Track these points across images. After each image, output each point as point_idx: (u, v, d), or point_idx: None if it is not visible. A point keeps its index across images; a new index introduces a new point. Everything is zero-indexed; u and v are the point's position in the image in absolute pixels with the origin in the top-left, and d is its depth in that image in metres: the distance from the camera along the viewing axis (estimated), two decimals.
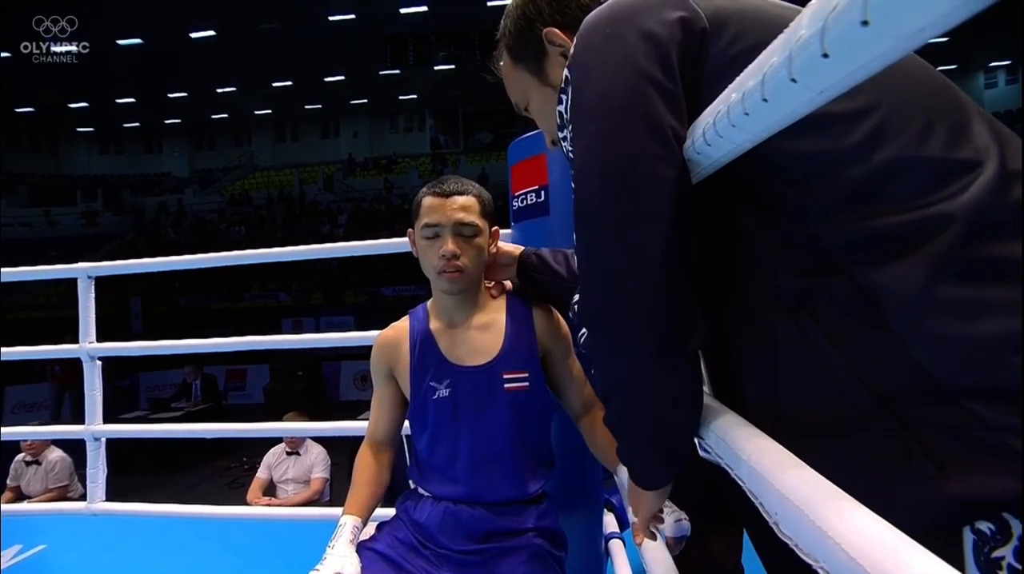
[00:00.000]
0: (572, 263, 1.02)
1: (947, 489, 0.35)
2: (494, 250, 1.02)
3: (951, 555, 0.30)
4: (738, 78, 0.37)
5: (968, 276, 0.37)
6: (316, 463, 3.26)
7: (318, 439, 3.35)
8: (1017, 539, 0.33)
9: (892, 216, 0.39)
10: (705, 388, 0.62)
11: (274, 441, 3.37)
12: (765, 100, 0.33)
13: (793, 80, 0.30)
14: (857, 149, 0.41)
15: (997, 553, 0.33)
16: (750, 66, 0.35)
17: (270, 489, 3.26)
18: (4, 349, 2.07)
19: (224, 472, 5.54)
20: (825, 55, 0.27)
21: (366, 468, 1.00)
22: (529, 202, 1.28)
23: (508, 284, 1.10)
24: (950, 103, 0.43)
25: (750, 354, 0.50)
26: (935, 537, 0.31)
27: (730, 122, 0.38)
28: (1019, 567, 0.32)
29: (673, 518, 0.78)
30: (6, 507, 2.33)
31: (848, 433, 0.41)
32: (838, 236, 0.41)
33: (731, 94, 0.38)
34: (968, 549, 0.34)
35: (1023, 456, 0.33)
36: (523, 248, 1.07)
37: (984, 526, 0.34)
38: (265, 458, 3.30)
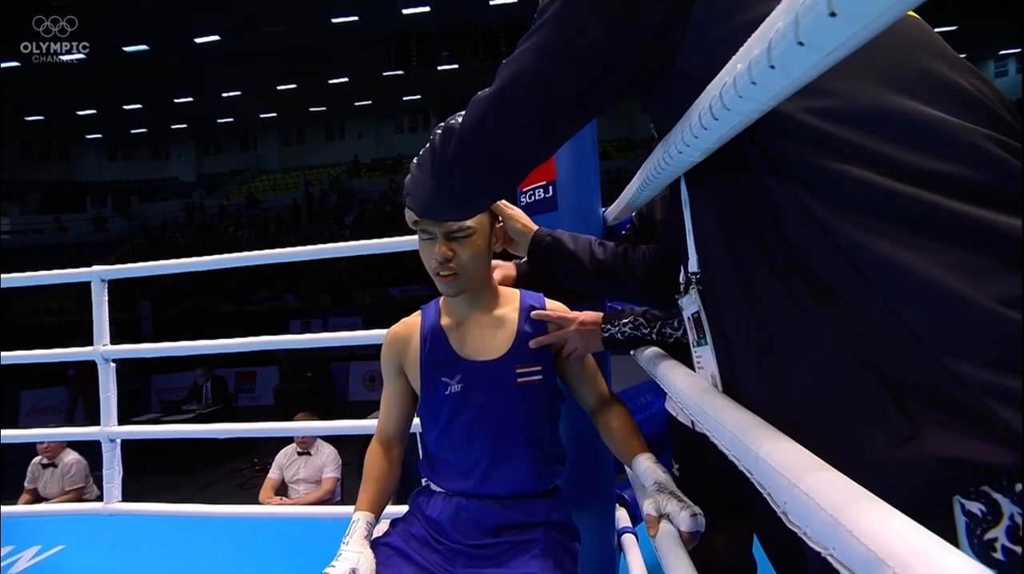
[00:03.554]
0: (597, 253, 0.99)
1: (921, 451, 0.35)
2: (498, 247, 1.01)
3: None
4: (742, 48, 0.37)
5: (960, 239, 0.37)
6: (327, 463, 3.28)
7: (328, 439, 3.37)
8: (1008, 518, 0.33)
9: (882, 176, 0.39)
10: (713, 380, 0.62)
11: (285, 442, 3.40)
12: (772, 67, 0.33)
13: (800, 43, 0.30)
14: (843, 107, 0.42)
15: (990, 534, 0.33)
16: (754, 34, 0.35)
17: (282, 489, 3.29)
18: (21, 352, 2.10)
19: (236, 473, 5.59)
20: (833, 14, 0.27)
21: (377, 464, 1.00)
22: (537, 198, 1.28)
23: (510, 271, 1.10)
24: (933, 68, 0.44)
25: (744, 323, 0.50)
26: (920, 514, 0.32)
27: (737, 93, 0.37)
28: (1012, 547, 0.32)
29: (688, 513, 0.78)
30: (25, 508, 2.37)
31: (832, 397, 0.41)
32: (826, 197, 0.41)
33: (736, 64, 0.37)
34: (962, 532, 0.34)
35: (1023, 424, 0.33)
36: (537, 227, 1.03)
37: (975, 507, 0.34)
38: (276, 458, 3.33)
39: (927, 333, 0.36)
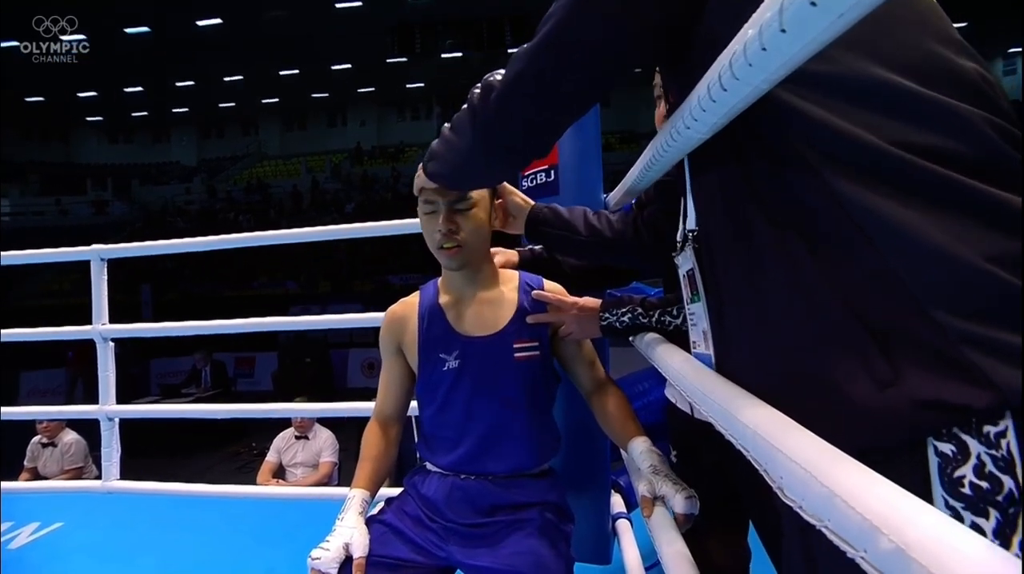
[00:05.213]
0: (591, 219, 1.01)
1: (902, 395, 0.38)
2: (497, 223, 1.02)
3: (917, 482, 0.37)
4: (755, 13, 0.37)
5: (951, 202, 0.40)
6: (325, 447, 3.30)
7: (327, 424, 3.39)
8: (976, 458, 0.36)
9: (879, 139, 0.41)
10: (704, 336, 0.63)
11: (283, 426, 3.41)
12: (783, 31, 0.33)
13: (813, 4, 0.30)
14: (840, 76, 0.44)
15: (959, 472, 0.37)
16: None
17: (279, 472, 3.31)
18: (20, 330, 2.10)
19: (234, 457, 5.62)
20: None
21: (374, 443, 1.01)
22: (539, 182, 1.28)
23: (512, 257, 1.10)
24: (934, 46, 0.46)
25: (738, 276, 0.52)
26: (898, 453, 0.38)
27: (747, 61, 0.37)
28: (978, 482, 0.36)
29: (683, 495, 0.79)
30: (24, 485, 2.38)
31: (820, 344, 0.44)
32: (828, 154, 0.43)
33: (747, 30, 0.37)
34: (934, 470, 0.37)
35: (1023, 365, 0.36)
36: (534, 203, 1.06)
37: (947, 448, 0.37)
38: (274, 442, 3.35)
39: (916, 285, 0.39)
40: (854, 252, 0.41)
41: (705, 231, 0.59)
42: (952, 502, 0.36)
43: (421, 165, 0.87)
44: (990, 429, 0.36)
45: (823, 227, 0.43)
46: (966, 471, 0.36)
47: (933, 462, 0.37)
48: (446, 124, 0.74)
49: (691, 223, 0.62)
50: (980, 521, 0.36)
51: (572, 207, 1.04)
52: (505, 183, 1.04)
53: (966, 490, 0.36)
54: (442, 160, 0.76)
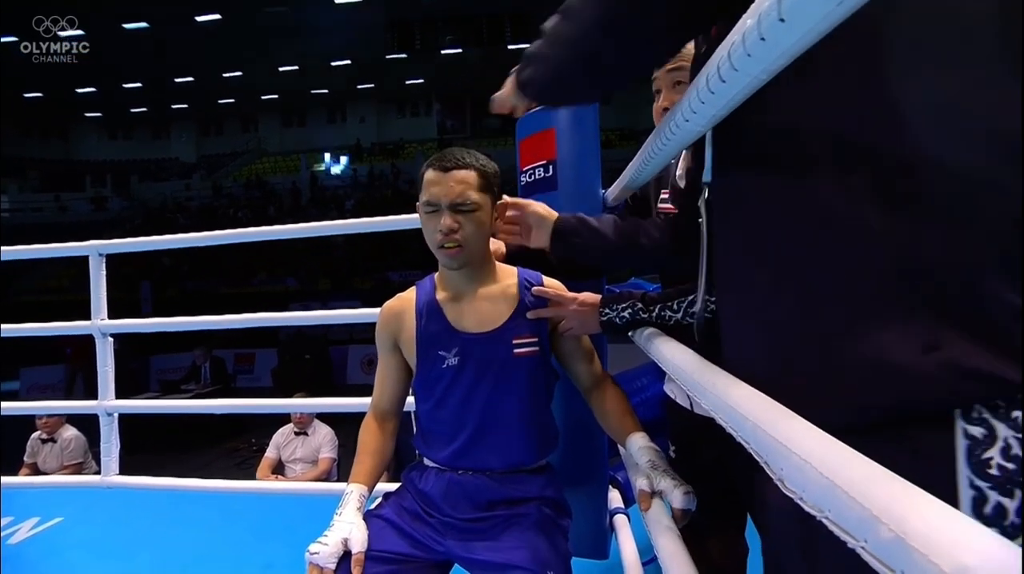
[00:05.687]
0: (619, 223, 0.99)
1: (941, 361, 0.39)
2: (499, 224, 1.01)
3: (943, 461, 0.38)
4: (754, 4, 0.36)
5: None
6: (324, 443, 3.31)
7: (326, 420, 3.39)
8: (1002, 441, 0.38)
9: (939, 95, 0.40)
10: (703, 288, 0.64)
11: (283, 422, 3.42)
12: (782, 20, 0.32)
13: None
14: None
15: (987, 454, 0.38)
16: None
17: (278, 468, 3.32)
18: (19, 325, 2.10)
19: (233, 453, 5.62)
20: None
21: (371, 438, 1.01)
22: (537, 177, 1.27)
23: (501, 247, 1.10)
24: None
25: (778, 244, 0.50)
26: (929, 424, 0.39)
27: (746, 51, 0.37)
28: (1004, 464, 0.37)
29: (681, 490, 0.79)
30: (24, 480, 2.38)
31: (867, 310, 0.43)
32: (913, 103, 0.41)
33: (746, 20, 0.37)
34: (961, 452, 0.38)
35: None
36: (557, 214, 1.02)
37: (976, 432, 0.38)
38: (274, 438, 3.35)
39: (980, 256, 0.39)
40: (924, 216, 0.41)
41: (724, 177, 0.56)
42: (977, 482, 0.38)
43: (514, 73, 0.75)
44: (1018, 414, 0.38)
45: (895, 186, 0.42)
46: (994, 453, 0.38)
47: (961, 444, 0.39)
48: (549, 20, 0.63)
49: (707, 175, 0.60)
50: (1005, 501, 0.37)
51: (600, 216, 1.02)
52: (519, 199, 1.03)
53: (993, 471, 0.38)
54: (542, 60, 0.65)
